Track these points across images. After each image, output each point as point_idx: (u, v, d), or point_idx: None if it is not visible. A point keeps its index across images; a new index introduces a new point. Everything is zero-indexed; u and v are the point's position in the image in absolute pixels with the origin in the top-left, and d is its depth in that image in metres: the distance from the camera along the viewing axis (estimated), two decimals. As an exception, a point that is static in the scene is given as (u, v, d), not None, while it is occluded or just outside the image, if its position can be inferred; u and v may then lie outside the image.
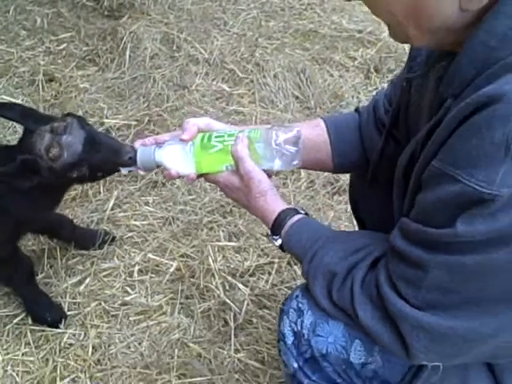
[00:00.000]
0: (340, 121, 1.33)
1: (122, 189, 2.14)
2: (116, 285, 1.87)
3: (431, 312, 0.84)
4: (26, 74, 2.62)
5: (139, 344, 1.72)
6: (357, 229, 1.54)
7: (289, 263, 1.88)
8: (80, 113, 2.40)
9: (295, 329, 1.12)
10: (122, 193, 2.14)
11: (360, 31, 2.84)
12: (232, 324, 1.74)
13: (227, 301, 1.79)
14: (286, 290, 1.81)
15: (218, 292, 1.81)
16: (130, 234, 2.01)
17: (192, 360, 1.67)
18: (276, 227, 1.13)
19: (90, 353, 1.70)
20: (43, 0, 3.05)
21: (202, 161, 1.20)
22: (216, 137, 1.20)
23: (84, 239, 1.96)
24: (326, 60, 2.63)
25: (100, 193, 2.13)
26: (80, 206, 2.10)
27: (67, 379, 1.65)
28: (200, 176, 1.23)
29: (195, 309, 1.79)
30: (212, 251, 1.91)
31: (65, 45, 2.76)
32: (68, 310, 1.81)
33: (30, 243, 1.95)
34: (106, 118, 2.40)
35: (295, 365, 1.14)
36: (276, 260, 1.88)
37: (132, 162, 1.29)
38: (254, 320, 1.76)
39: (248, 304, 1.79)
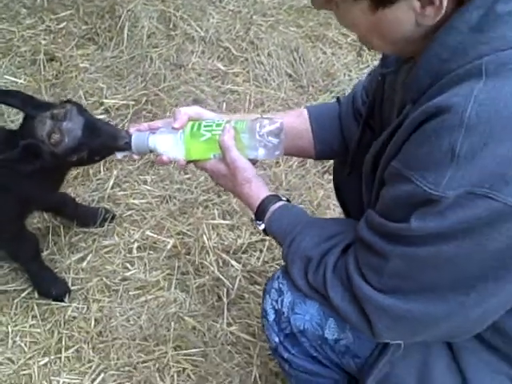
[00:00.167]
0: (322, 110, 1.40)
1: (121, 168, 2.21)
2: (116, 261, 1.96)
3: (392, 296, 0.93)
4: (28, 53, 2.65)
5: (138, 317, 1.82)
6: (341, 210, 1.61)
7: (279, 241, 1.97)
8: (80, 92, 2.45)
9: (276, 307, 1.21)
10: (121, 172, 2.21)
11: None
12: (225, 299, 1.84)
13: (221, 277, 1.88)
14: (276, 266, 1.90)
15: (212, 268, 1.91)
16: (129, 213, 2.09)
17: (187, 333, 1.77)
18: (259, 213, 1.21)
19: (92, 325, 1.81)
20: (41, -22, 3.06)
21: (192, 148, 1.27)
22: (205, 126, 1.27)
23: (86, 217, 2.04)
24: (319, 37, 2.65)
25: (100, 172, 2.20)
26: (81, 184, 2.18)
27: (71, 349, 1.76)
28: (189, 162, 1.31)
29: (190, 284, 1.88)
30: (207, 229, 2.00)
31: (64, 23, 2.77)
32: (72, 285, 1.90)
33: (35, 221, 2.03)
34: (106, 97, 2.44)
35: (276, 339, 1.24)
36: (267, 238, 1.93)
37: (127, 146, 1.37)
38: (246, 295, 1.85)
39: (240, 280, 1.88)
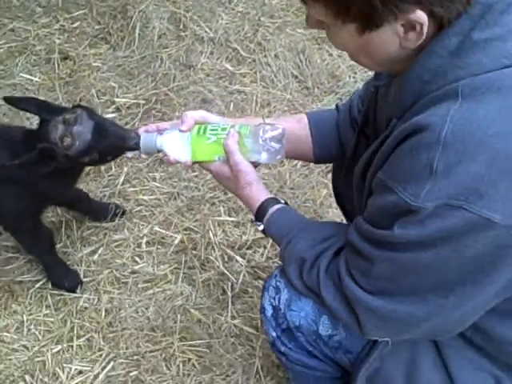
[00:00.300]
0: (321, 117, 1.46)
1: (131, 165, 2.29)
2: (126, 255, 2.04)
3: (379, 297, 1.00)
4: (43, 52, 2.72)
5: (146, 309, 1.90)
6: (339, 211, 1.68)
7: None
8: (93, 91, 2.53)
9: (273, 303, 1.29)
10: (131, 169, 2.28)
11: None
12: (229, 293, 1.91)
13: (226, 272, 1.96)
14: (279, 263, 1.97)
15: (217, 263, 1.98)
16: (138, 208, 2.17)
17: (193, 324, 1.85)
18: (259, 215, 1.28)
19: (102, 316, 1.88)
20: (56, -24, 3.14)
21: (197, 150, 1.33)
22: (211, 130, 1.33)
23: (98, 212, 2.12)
24: (325, 39, 2.69)
25: (111, 169, 2.28)
26: (93, 180, 2.26)
27: (83, 338, 1.84)
28: (195, 163, 1.37)
29: (197, 278, 1.96)
30: (213, 225, 2.07)
31: (78, 23, 2.84)
32: (83, 277, 1.97)
33: (49, 215, 2.11)
34: (117, 96, 2.52)
35: (274, 334, 1.31)
36: (270, 235, 2.03)
37: (136, 146, 1.44)
38: (250, 290, 1.93)
39: (244, 275, 1.95)
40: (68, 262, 1.99)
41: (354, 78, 2.57)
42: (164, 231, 2.10)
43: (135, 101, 2.49)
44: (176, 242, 2.06)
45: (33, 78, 2.63)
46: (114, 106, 2.49)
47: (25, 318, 1.89)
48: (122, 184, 2.24)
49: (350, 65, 2.61)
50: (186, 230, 2.10)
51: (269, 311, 1.30)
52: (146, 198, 2.21)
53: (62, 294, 1.95)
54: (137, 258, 2.04)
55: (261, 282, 1.94)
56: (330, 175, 2.20)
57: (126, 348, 1.82)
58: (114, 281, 1.99)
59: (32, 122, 2.35)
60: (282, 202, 1.30)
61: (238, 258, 2.00)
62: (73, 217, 2.12)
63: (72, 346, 1.83)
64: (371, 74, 1.39)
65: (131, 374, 1.76)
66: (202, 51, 2.68)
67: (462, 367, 1.11)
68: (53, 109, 1.60)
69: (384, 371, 1.17)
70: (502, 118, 0.84)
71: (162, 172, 2.29)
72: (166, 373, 1.77)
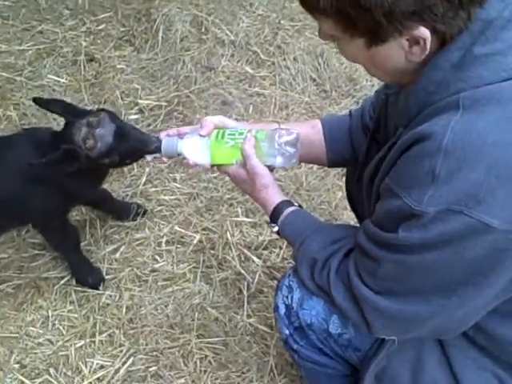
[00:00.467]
0: (334, 122, 1.51)
1: (153, 166, 2.34)
2: (147, 253, 2.10)
3: (386, 297, 1.04)
4: (69, 54, 2.80)
5: (165, 306, 1.96)
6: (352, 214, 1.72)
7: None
8: (117, 93, 2.60)
9: (286, 302, 1.33)
10: (153, 170, 2.34)
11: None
12: (245, 292, 1.96)
13: (242, 271, 2.01)
14: (294, 263, 2.01)
15: (234, 263, 2.03)
16: (159, 208, 2.23)
17: (210, 322, 1.91)
18: (274, 216, 1.33)
19: (124, 312, 1.95)
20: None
21: (216, 154, 1.38)
22: (229, 134, 1.38)
23: (120, 211, 2.18)
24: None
25: (134, 169, 2.34)
26: (116, 181, 2.32)
27: (104, 334, 1.90)
28: (213, 166, 1.42)
29: (214, 277, 2.01)
30: (230, 226, 2.12)
31: (103, 25, 2.92)
32: (106, 274, 2.04)
33: (74, 214, 2.17)
34: (140, 98, 2.59)
35: (287, 332, 1.36)
36: (286, 236, 2.07)
37: (156, 150, 1.50)
38: (265, 289, 1.97)
39: (260, 275, 2.00)
40: (91, 260, 2.06)
41: (371, 81, 2.60)
42: (183, 231, 2.15)
43: (158, 103, 2.56)
44: (195, 241, 2.12)
45: (60, 79, 2.70)
46: (137, 108, 2.55)
47: (50, 314, 1.96)
48: (144, 184, 2.31)
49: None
50: (204, 229, 2.15)
51: (282, 310, 1.35)
52: (166, 198, 2.27)
53: (85, 291, 2.01)
54: (157, 257, 2.10)
55: (276, 282, 1.97)
56: (344, 178, 2.25)
57: (146, 344, 1.87)
58: (135, 278, 2.04)
59: (58, 122, 2.43)
60: (296, 204, 1.35)
61: (255, 258, 2.05)
62: (97, 216, 2.19)
63: (94, 341, 1.89)
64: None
65: (150, 369, 1.82)
66: (223, 54, 2.73)
67: (466, 366, 1.14)
68: (77, 111, 1.68)
69: (391, 369, 1.21)
70: (501, 128, 0.88)
71: (183, 173, 2.35)
72: (184, 369, 1.82)
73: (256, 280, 1.99)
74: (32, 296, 2.01)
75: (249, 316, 1.93)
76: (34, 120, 2.50)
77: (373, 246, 1.04)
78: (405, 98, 1.03)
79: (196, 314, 1.93)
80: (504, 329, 1.07)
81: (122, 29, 2.92)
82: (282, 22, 2.84)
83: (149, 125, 2.48)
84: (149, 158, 1.57)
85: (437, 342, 1.18)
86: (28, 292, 2.02)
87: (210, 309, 1.94)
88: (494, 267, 0.93)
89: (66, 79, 2.72)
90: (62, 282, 2.04)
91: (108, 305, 1.98)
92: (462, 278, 0.96)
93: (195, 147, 1.40)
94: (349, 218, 2.10)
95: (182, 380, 1.80)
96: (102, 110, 1.65)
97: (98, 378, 1.81)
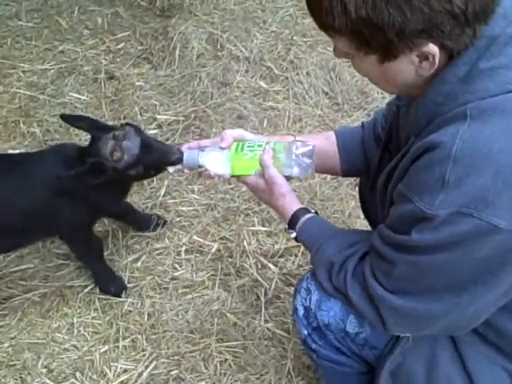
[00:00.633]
0: (347, 134, 1.58)
1: (171, 179, 2.42)
2: (167, 262, 2.17)
3: (400, 296, 1.10)
4: (90, 72, 2.90)
5: (186, 312, 2.02)
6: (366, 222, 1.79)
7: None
8: (136, 109, 2.70)
9: (305, 304, 1.39)
10: (171, 182, 2.42)
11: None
12: (263, 298, 2.02)
13: (259, 278, 2.08)
14: (309, 269, 2.08)
15: (251, 270, 2.10)
16: (178, 219, 2.30)
17: (229, 327, 1.97)
18: (292, 223, 1.40)
19: (145, 319, 2.01)
20: (103, 0, 3.32)
21: (236, 165, 1.45)
22: (248, 146, 1.45)
23: (141, 222, 2.26)
24: (355, 58, 2.82)
25: (153, 182, 2.42)
26: (137, 193, 2.40)
27: (128, 339, 1.97)
28: (233, 177, 1.49)
29: (232, 284, 2.08)
30: (247, 235, 2.20)
31: (122, 44, 3.03)
32: (128, 283, 2.10)
33: (96, 225, 2.22)
34: (159, 113, 2.68)
35: (305, 332, 1.42)
36: (302, 244, 2.14)
37: (178, 161, 1.57)
38: (282, 296, 2.03)
39: (277, 282, 2.06)
40: (114, 269, 2.13)
41: (382, 94, 2.68)
42: (202, 240, 2.23)
43: (175, 118, 2.65)
44: (213, 250, 2.19)
45: (81, 96, 2.81)
46: (155, 123, 2.64)
47: (75, 320, 2.03)
48: (163, 196, 2.38)
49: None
50: (222, 239, 2.22)
51: (301, 311, 1.41)
52: (185, 209, 2.34)
53: (108, 299, 2.08)
54: (177, 266, 2.17)
55: (292, 288, 2.03)
56: (357, 188, 2.32)
57: (168, 348, 1.94)
58: (156, 286, 2.11)
59: (81, 137, 2.53)
60: (313, 211, 1.42)
61: (271, 265, 2.12)
62: (118, 227, 2.27)
63: (118, 347, 1.95)
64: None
65: (172, 372, 1.88)
66: (238, 70, 2.82)
67: (477, 362, 1.20)
68: (102, 127, 1.76)
69: (406, 365, 1.27)
70: (506, 136, 0.95)
71: (200, 185, 2.42)
72: (205, 372, 1.88)
73: (273, 286, 2.05)
74: (57, 304, 2.08)
75: (266, 321, 1.98)
76: (56, 136, 2.61)
77: (387, 248, 1.11)
78: (415, 110, 1.11)
79: (215, 319, 2.00)
80: (513, 325, 1.14)
81: (140, 47, 3.03)
82: (295, 38, 2.94)
83: (167, 139, 2.57)
84: (171, 169, 1.64)
85: (449, 338, 1.24)
86: (54, 300, 2.09)
87: (228, 314, 2.01)
88: (503, 266, 1.00)
89: (86, 96, 2.82)
90: (86, 290, 2.11)
91: (130, 312, 2.05)
92: (471, 277, 1.02)
93: (216, 159, 1.46)
94: (362, 226, 2.16)
95: (203, 383, 1.86)
96: (127, 124, 1.73)
97: (122, 382, 1.88)
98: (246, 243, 2.18)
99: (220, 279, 2.12)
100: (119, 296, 2.09)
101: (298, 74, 2.77)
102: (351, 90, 2.69)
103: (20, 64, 2.97)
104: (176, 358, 1.92)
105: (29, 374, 1.90)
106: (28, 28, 3.16)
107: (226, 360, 1.91)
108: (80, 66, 2.95)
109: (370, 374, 1.43)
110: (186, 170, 1.61)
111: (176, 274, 2.15)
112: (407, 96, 1.19)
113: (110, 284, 2.10)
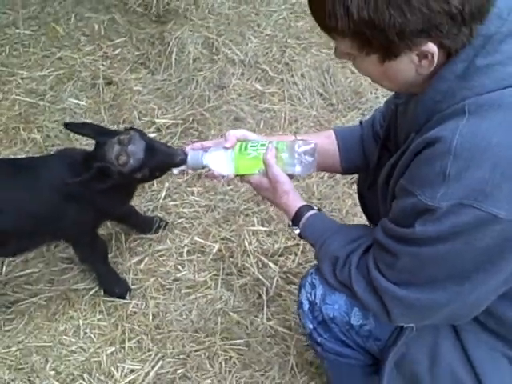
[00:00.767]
0: (346, 132, 1.63)
1: (172, 181, 2.45)
2: (169, 263, 2.20)
3: (404, 287, 1.14)
4: (88, 78, 2.93)
5: (189, 312, 2.06)
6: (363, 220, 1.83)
7: (313, 245, 2.19)
8: (135, 113, 2.72)
9: (310, 298, 1.43)
10: (172, 184, 2.45)
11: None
12: (264, 297, 2.06)
13: (260, 277, 2.11)
14: (310, 268, 2.12)
15: (252, 270, 2.14)
16: (179, 220, 2.34)
17: (232, 326, 2.01)
18: (296, 220, 1.43)
19: (150, 319, 2.04)
20: (99, 7, 3.34)
21: (240, 165, 1.48)
22: (251, 146, 1.49)
23: (143, 225, 2.29)
24: (348, 59, 2.87)
25: (154, 185, 2.45)
26: (138, 196, 2.40)
27: (133, 340, 2.00)
28: (237, 176, 1.52)
29: (234, 284, 2.12)
30: (247, 235, 2.23)
31: (119, 50, 3.05)
32: (132, 285, 2.13)
33: (100, 228, 2.28)
34: (157, 117, 2.71)
35: (311, 326, 1.46)
36: (302, 242, 2.17)
37: (182, 162, 1.59)
38: (283, 294, 2.07)
39: (278, 280, 2.10)
40: (118, 271, 2.16)
41: (375, 94, 2.73)
42: (203, 241, 2.26)
43: (174, 121, 2.68)
44: (214, 250, 2.22)
45: (80, 102, 2.83)
46: (154, 127, 2.68)
47: (81, 323, 2.06)
48: (164, 198, 2.41)
49: (371, 82, 2.75)
50: (223, 239, 2.26)
51: (306, 305, 1.45)
52: (185, 210, 2.38)
53: (113, 301, 2.11)
54: (179, 266, 2.20)
55: (293, 286, 2.08)
56: (354, 186, 2.36)
57: (173, 348, 1.97)
58: (160, 287, 2.14)
59: (81, 142, 2.56)
60: (316, 208, 1.46)
61: (272, 264, 2.15)
62: (121, 229, 2.30)
63: (124, 348, 1.98)
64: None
65: (178, 371, 1.91)
66: (234, 73, 2.86)
67: (478, 348, 1.25)
68: (106, 132, 1.79)
69: (410, 355, 1.31)
70: (503, 130, 0.99)
71: (200, 187, 2.45)
72: (210, 370, 1.92)
73: (274, 285, 2.09)
74: (63, 307, 2.11)
75: (268, 319, 2.02)
76: (57, 141, 2.63)
77: (390, 241, 1.15)
78: (414, 107, 1.15)
79: (219, 318, 2.03)
80: (513, 313, 1.18)
81: (137, 52, 3.05)
82: (289, 40, 2.98)
83: (166, 142, 2.58)
84: (175, 171, 1.66)
85: (451, 327, 1.28)
86: (59, 303, 2.12)
87: (231, 313, 2.04)
88: (503, 254, 1.04)
89: (85, 102, 2.84)
90: (91, 292, 2.14)
91: (135, 313, 2.08)
92: (473, 266, 1.06)
93: (220, 159, 1.50)
94: (357, 223, 2.20)
95: (209, 380, 1.90)
96: (131, 128, 1.77)
97: (129, 382, 1.91)
98: (246, 243, 2.21)
99: (222, 279, 2.15)
100: (124, 298, 2.11)
101: (292, 75, 2.81)
102: (345, 90, 2.74)
103: (19, 71, 2.99)
104: (181, 357, 1.95)
105: (37, 376, 1.93)
106: (26, 35, 3.18)
107: (230, 358, 1.94)
108: (78, 71, 2.97)
109: (375, 366, 1.47)
110: (189, 171, 1.64)
111: (179, 274, 2.18)
112: (407, 93, 1.23)
113: (114, 286, 2.12)
